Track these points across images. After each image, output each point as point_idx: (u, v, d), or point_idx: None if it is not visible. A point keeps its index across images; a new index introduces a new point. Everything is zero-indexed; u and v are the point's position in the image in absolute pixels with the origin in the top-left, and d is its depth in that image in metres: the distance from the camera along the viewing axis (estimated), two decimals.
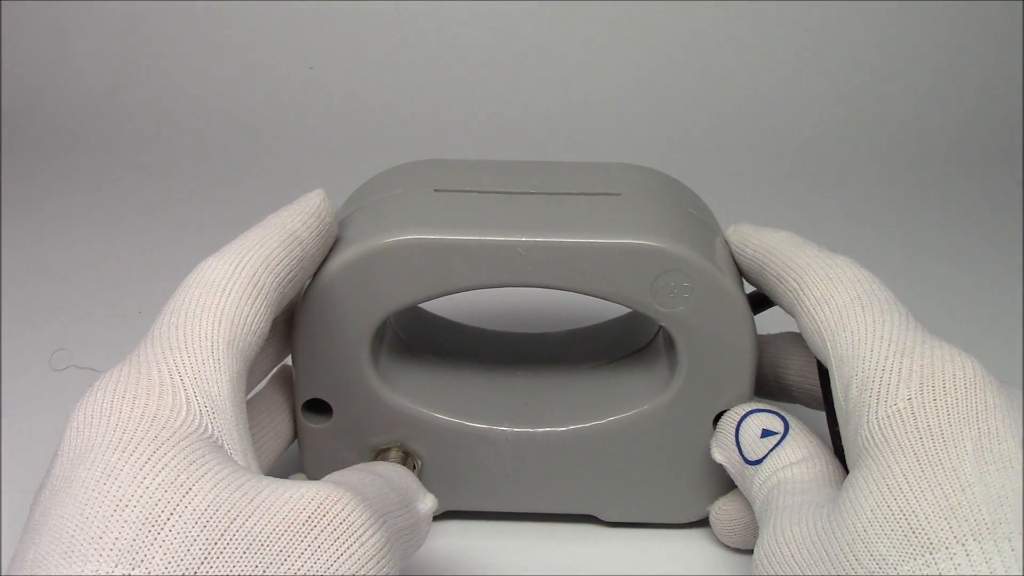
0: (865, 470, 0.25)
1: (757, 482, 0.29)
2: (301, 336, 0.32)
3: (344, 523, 0.23)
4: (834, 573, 0.24)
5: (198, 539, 0.21)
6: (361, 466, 0.29)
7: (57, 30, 0.75)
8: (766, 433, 0.30)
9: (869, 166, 0.69)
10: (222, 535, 0.21)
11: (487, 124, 0.72)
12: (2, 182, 0.64)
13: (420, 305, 0.36)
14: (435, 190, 0.33)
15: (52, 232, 0.59)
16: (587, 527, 0.35)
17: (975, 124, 0.73)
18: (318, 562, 0.22)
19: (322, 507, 0.23)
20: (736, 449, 0.31)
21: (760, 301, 0.33)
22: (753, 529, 0.32)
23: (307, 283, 0.31)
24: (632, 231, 0.30)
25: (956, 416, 0.24)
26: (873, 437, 0.25)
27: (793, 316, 0.30)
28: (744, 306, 0.31)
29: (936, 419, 0.24)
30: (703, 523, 0.35)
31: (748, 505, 0.32)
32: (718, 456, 0.31)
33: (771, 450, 0.30)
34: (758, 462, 0.30)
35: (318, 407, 0.33)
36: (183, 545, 0.21)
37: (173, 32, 0.75)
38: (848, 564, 0.23)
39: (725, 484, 0.34)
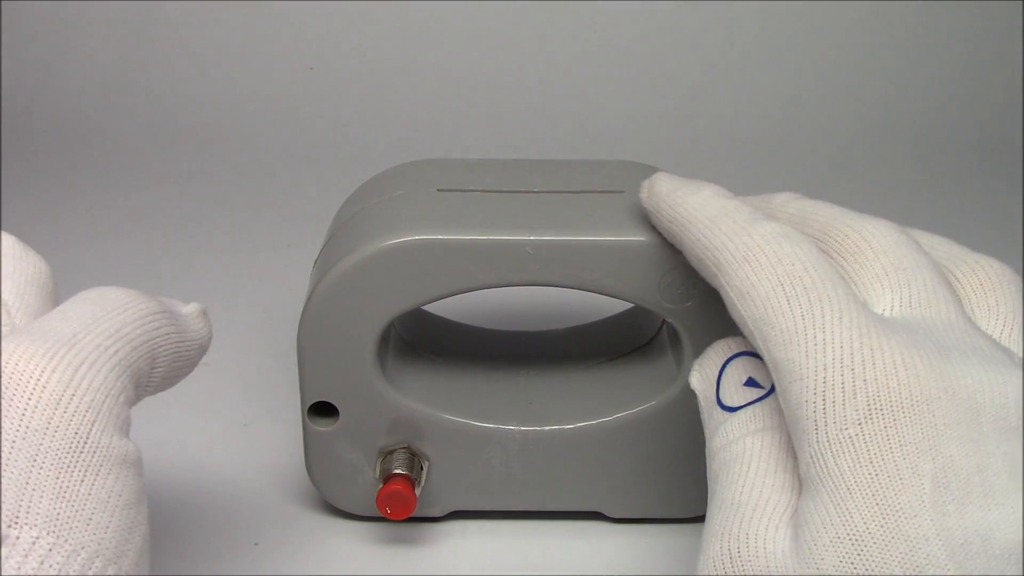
0: (823, 509, 0.23)
1: (722, 432, 0.26)
2: (307, 339, 0.32)
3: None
4: None
5: None
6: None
7: (56, 30, 0.75)
8: (751, 383, 0.27)
9: (870, 166, 0.69)
10: None
11: (487, 124, 0.72)
12: (2, 182, 0.64)
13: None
14: (438, 190, 0.33)
15: (52, 232, 0.58)
16: (593, 524, 0.35)
17: (976, 124, 0.73)
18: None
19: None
20: (715, 386, 0.28)
21: None
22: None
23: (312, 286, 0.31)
24: (638, 228, 0.31)
25: (910, 447, 0.22)
26: (825, 466, 0.23)
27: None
28: None
29: (890, 452, 0.22)
30: None
31: None
32: (695, 382, 0.28)
33: (750, 403, 0.26)
34: (732, 409, 0.27)
35: (324, 410, 0.33)
36: None
37: (172, 32, 0.74)
38: None
39: None
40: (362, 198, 0.35)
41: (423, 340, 0.37)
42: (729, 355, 0.28)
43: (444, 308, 0.37)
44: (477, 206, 0.32)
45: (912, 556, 0.21)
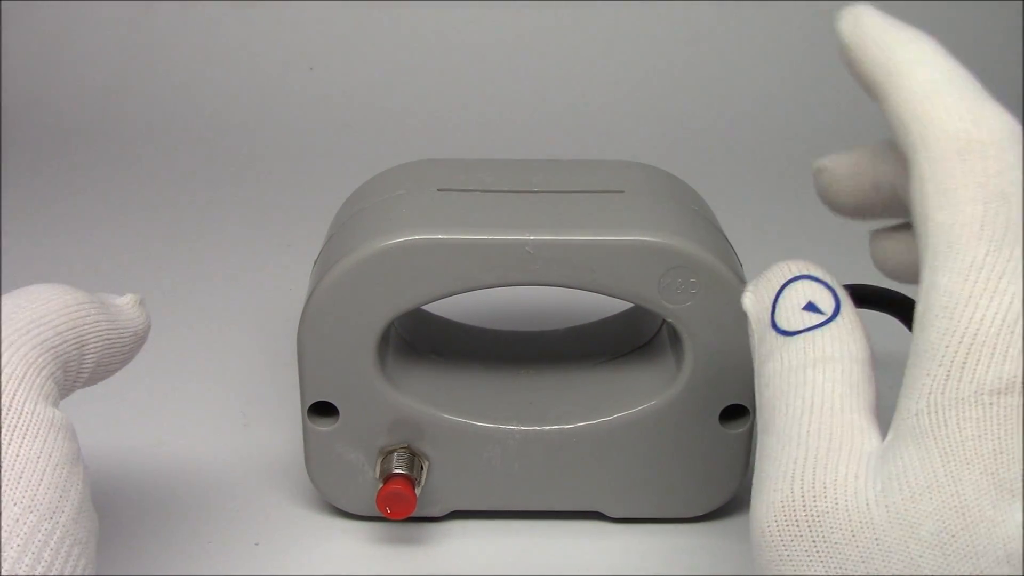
0: (930, 469, 0.21)
1: (779, 357, 0.24)
2: (307, 339, 0.32)
3: None
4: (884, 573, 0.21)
5: None
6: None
7: (55, 29, 0.75)
8: (811, 308, 0.24)
9: None
10: None
11: (486, 124, 0.72)
12: (2, 182, 0.64)
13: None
14: (438, 190, 0.33)
15: (51, 232, 0.58)
16: (593, 524, 0.35)
17: None
18: None
19: None
20: (770, 308, 0.25)
21: None
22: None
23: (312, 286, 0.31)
24: (639, 228, 0.31)
25: None
26: (945, 425, 0.21)
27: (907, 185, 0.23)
28: None
29: (1021, 435, 0.20)
30: (710, 517, 0.35)
31: (912, 243, 0.25)
32: (748, 303, 0.26)
33: (808, 329, 0.24)
34: (790, 334, 0.24)
35: (324, 410, 0.33)
36: None
37: (172, 32, 0.74)
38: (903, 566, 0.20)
39: (731, 476, 0.34)
40: (362, 198, 0.35)
41: (423, 340, 0.37)
42: (789, 277, 0.25)
43: (444, 308, 0.37)
44: (477, 206, 0.32)
45: (1017, 544, 0.20)
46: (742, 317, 0.29)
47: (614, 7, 0.75)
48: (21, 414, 0.23)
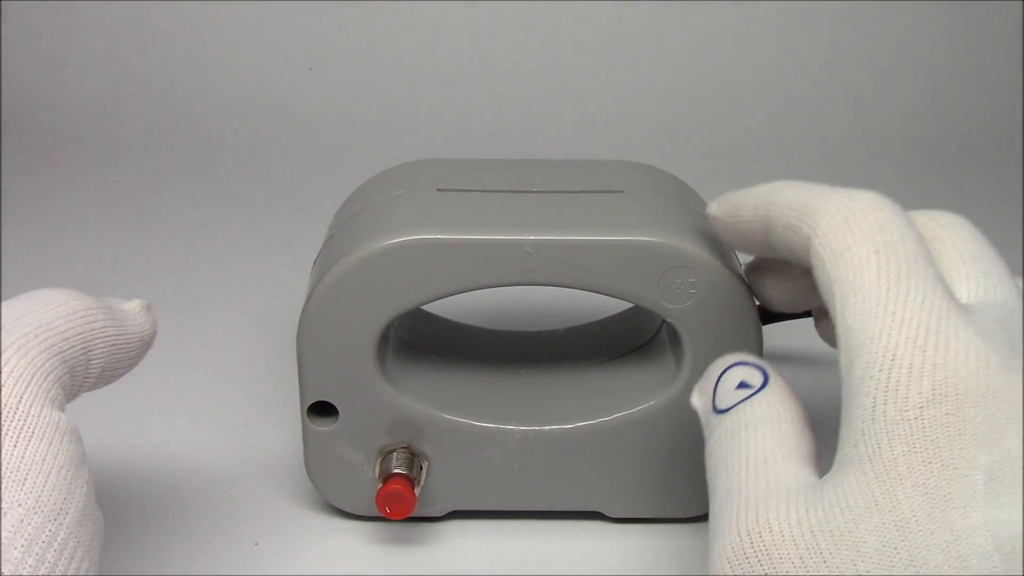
0: (868, 492, 0.22)
1: (716, 433, 0.27)
2: (306, 339, 0.32)
3: None
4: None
5: None
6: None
7: (56, 29, 0.75)
8: (743, 385, 0.27)
9: (870, 164, 0.69)
10: None
11: (486, 124, 0.72)
12: (2, 182, 0.64)
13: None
14: (438, 190, 0.33)
15: (51, 233, 0.59)
16: (593, 524, 0.35)
17: (976, 124, 0.73)
18: None
19: None
20: (711, 396, 0.28)
21: (766, 315, 0.33)
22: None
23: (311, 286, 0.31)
24: (639, 228, 0.31)
25: (969, 437, 0.22)
26: (878, 447, 0.23)
27: (811, 269, 0.27)
28: (749, 301, 0.31)
29: (947, 442, 0.22)
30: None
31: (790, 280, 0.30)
32: (695, 400, 0.29)
33: (740, 402, 0.27)
34: (725, 411, 0.27)
35: (324, 410, 0.33)
36: None
37: (172, 32, 0.75)
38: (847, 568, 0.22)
39: None
40: (362, 198, 0.35)
41: (423, 340, 0.37)
42: (723, 368, 0.28)
43: (444, 308, 0.37)
44: (477, 206, 0.32)
45: (957, 546, 0.21)
46: (741, 317, 0.30)
47: (614, 7, 0.75)
48: (27, 417, 0.23)
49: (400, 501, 0.32)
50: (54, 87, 0.74)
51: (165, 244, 0.57)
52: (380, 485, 0.32)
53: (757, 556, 0.23)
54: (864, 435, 0.23)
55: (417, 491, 0.32)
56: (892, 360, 0.23)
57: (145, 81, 0.74)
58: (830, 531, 0.22)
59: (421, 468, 0.33)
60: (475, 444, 0.33)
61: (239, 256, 0.55)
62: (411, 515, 0.32)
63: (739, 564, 0.23)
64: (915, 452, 0.22)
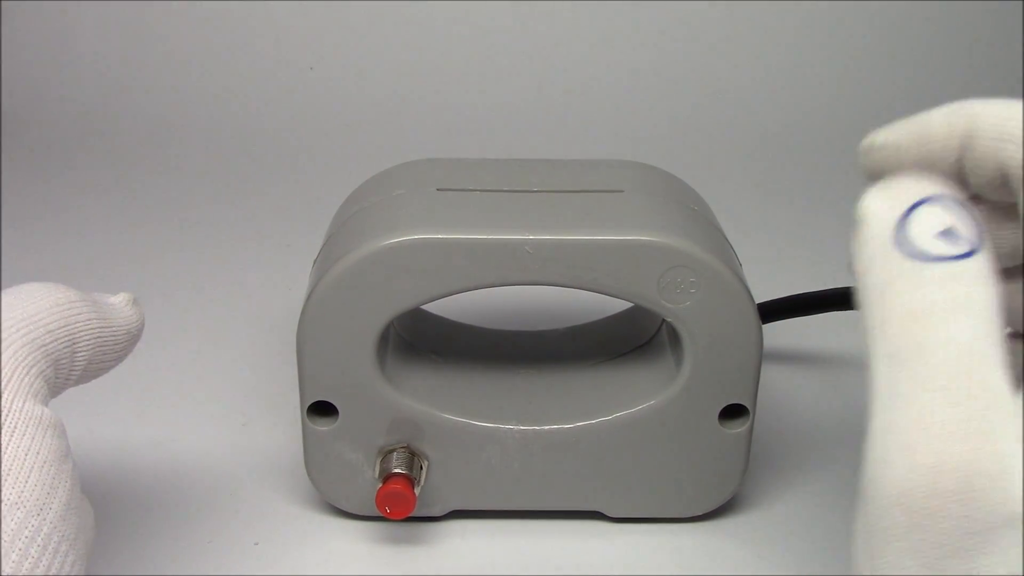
0: None
1: (906, 287, 0.20)
2: (306, 339, 0.32)
3: None
4: None
5: None
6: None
7: (56, 29, 0.75)
8: (949, 235, 0.20)
9: None
10: None
11: (487, 124, 0.72)
12: (2, 182, 0.64)
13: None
14: (437, 189, 0.33)
15: (51, 232, 0.58)
16: (593, 524, 0.35)
17: None
18: None
19: None
20: (895, 221, 0.21)
21: (766, 314, 0.33)
22: None
23: (311, 287, 0.31)
24: (638, 228, 0.31)
25: None
26: None
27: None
28: (749, 301, 0.31)
29: None
30: (710, 517, 0.35)
31: None
32: (874, 205, 0.22)
33: (954, 257, 0.20)
34: (922, 259, 0.20)
35: (324, 409, 0.33)
36: None
37: (172, 32, 0.74)
38: None
39: (731, 476, 0.34)
40: (362, 198, 0.35)
41: (423, 340, 0.37)
42: (929, 194, 0.21)
43: (444, 308, 0.37)
44: (477, 206, 0.32)
45: None
46: (741, 317, 0.28)
47: (615, 6, 0.75)
48: (9, 412, 0.23)
49: (400, 501, 0.32)
50: (54, 87, 0.74)
51: (165, 244, 0.57)
52: (380, 485, 0.32)
53: (960, 494, 0.17)
54: None
55: (417, 491, 0.32)
56: None
57: (145, 80, 0.74)
58: None
59: (421, 468, 0.33)
60: (475, 444, 0.33)
61: (239, 256, 0.55)
62: (411, 515, 0.32)
63: (935, 496, 0.17)
64: None
